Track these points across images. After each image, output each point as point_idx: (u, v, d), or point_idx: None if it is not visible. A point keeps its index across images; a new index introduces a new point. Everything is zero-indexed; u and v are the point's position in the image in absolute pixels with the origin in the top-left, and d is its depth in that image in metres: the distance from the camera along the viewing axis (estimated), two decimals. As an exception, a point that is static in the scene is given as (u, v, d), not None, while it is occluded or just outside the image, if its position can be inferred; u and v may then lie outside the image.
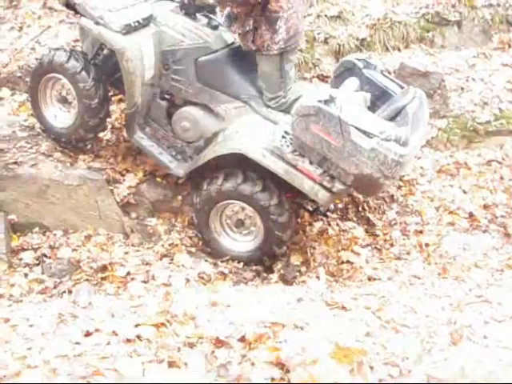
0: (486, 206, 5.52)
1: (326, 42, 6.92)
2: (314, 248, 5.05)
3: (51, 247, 4.74)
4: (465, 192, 5.78)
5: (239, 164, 4.68)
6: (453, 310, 3.17)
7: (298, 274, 4.81)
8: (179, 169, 5.04)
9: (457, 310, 3.16)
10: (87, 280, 4.49)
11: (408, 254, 4.97)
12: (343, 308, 3.23)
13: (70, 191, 4.93)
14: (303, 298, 3.40)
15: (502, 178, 5.95)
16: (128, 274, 4.55)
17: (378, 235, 5.29)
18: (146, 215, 5.19)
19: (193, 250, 4.95)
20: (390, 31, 7.10)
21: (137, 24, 4.83)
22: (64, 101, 5.24)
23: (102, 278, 4.53)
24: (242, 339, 2.76)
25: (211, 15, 4.95)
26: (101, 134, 5.48)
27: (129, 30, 4.80)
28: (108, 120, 5.42)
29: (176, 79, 4.95)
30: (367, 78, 4.71)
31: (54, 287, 4.40)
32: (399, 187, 5.76)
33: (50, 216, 4.89)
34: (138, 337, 2.79)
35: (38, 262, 4.63)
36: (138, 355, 2.64)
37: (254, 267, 4.87)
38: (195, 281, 4.53)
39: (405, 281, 3.96)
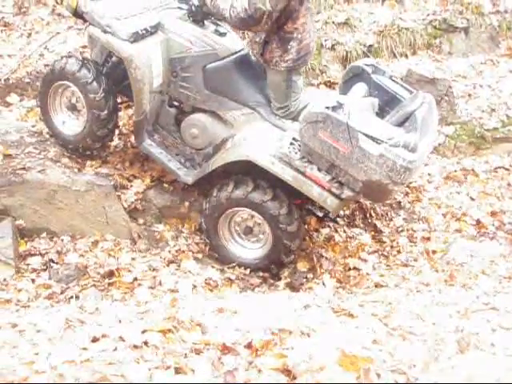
0: (493, 213, 5.52)
1: (333, 48, 6.94)
2: (321, 255, 5.05)
3: (58, 252, 4.74)
4: (472, 199, 5.77)
5: (248, 171, 4.69)
6: (460, 318, 3.16)
7: (304, 280, 4.82)
8: (188, 176, 5.04)
9: (464, 318, 3.15)
10: (94, 285, 4.48)
11: (415, 260, 4.96)
12: (350, 315, 3.23)
13: (77, 197, 4.93)
14: (310, 305, 3.40)
15: (509, 184, 5.95)
16: (135, 279, 4.55)
17: (385, 242, 5.29)
18: (153, 221, 5.20)
19: (200, 256, 4.95)
20: (398, 38, 7.12)
21: (144, 32, 4.84)
22: (73, 108, 5.26)
23: (109, 284, 4.52)
24: (249, 346, 2.76)
25: (219, 22, 4.96)
26: (108, 140, 5.48)
27: (136, 37, 4.81)
28: (115, 126, 5.42)
29: (184, 86, 4.96)
30: (376, 84, 4.71)
31: (61, 292, 4.40)
32: (406, 194, 5.76)
33: (57, 221, 4.90)
34: (145, 343, 2.79)
35: (45, 267, 4.63)
36: (145, 361, 2.64)
37: (261, 274, 4.87)
38: (202, 287, 4.53)
39: (412, 288, 3.95)
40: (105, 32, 4.84)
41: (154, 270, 4.68)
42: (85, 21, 5.14)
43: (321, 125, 4.13)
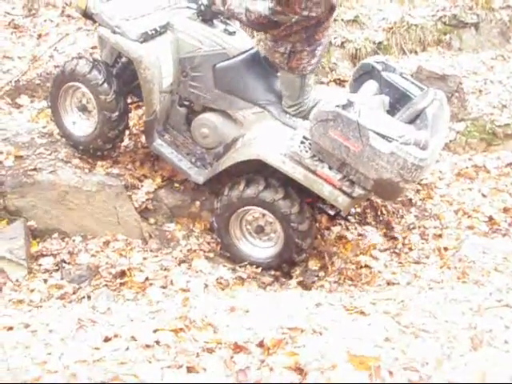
0: (505, 210, 5.48)
1: (342, 46, 6.94)
2: (333, 253, 5.04)
3: (70, 253, 4.75)
4: (484, 195, 5.74)
5: (259, 170, 4.69)
6: (473, 315, 3.14)
7: (316, 278, 4.81)
8: (198, 175, 5.05)
9: (477, 315, 3.13)
10: (106, 285, 4.49)
11: (427, 258, 4.94)
12: (362, 313, 3.22)
13: (88, 197, 4.95)
14: (322, 303, 3.40)
15: (521, 180, 5.92)
16: (146, 279, 4.55)
17: (396, 239, 5.27)
18: (164, 221, 5.21)
19: (211, 255, 4.96)
20: (407, 34, 7.10)
21: (154, 32, 4.85)
22: (84, 109, 5.28)
23: (121, 284, 4.53)
24: (261, 344, 2.76)
25: (228, 21, 4.96)
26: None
27: (146, 38, 4.82)
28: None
29: (194, 86, 4.97)
30: (386, 81, 4.69)
31: (74, 293, 4.41)
32: (417, 191, 5.74)
33: (68, 222, 4.91)
34: (157, 342, 2.80)
35: (57, 267, 4.64)
36: (157, 360, 2.64)
37: (273, 272, 4.86)
38: (213, 286, 4.53)
39: (424, 285, 3.94)
40: (114, 33, 4.85)
41: (165, 269, 4.68)
42: (94, 22, 5.16)
43: (331, 123, 4.12)
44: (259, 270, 4.84)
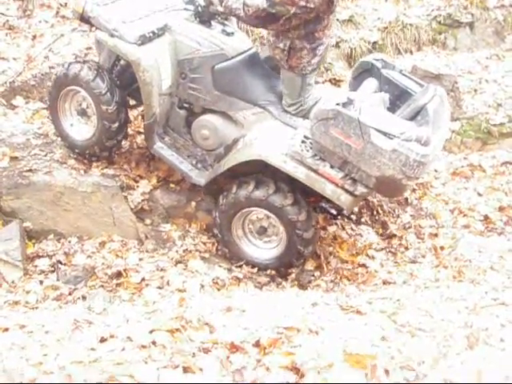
0: (501, 208, 5.49)
1: (337, 45, 6.95)
2: (329, 252, 5.04)
3: (66, 254, 4.74)
4: (480, 194, 5.75)
5: (259, 171, 4.68)
6: (469, 314, 3.15)
7: (312, 278, 4.81)
8: (200, 177, 5.02)
9: (473, 314, 3.14)
10: (102, 286, 4.49)
11: (423, 257, 4.95)
12: (358, 312, 3.22)
13: (84, 198, 4.94)
14: (318, 303, 3.39)
15: (517, 179, 5.93)
16: (143, 280, 4.55)
17: (392, 239, 5.27)
18: (160, 221, 5.19)
19: (207, 255, 4.94)
20: (402, 34, 7.11)
21: (151, 34, 4.84)
22: (83, 113, 5.25)
23: (117, 285, 4.53)
24: (257, 344, 2.76)
25: (226, 22, 4.95)
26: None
27: (144, 40, 4.80)
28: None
29: (193, 88, 4.94)
30: (386, 78, 4.66)
31: (69, 294, 4.40)
32: (413, 190, 5.74)
33: (64, 223, 4.91)
34: (153, 342, 2.80)
35: (53, 268, 4.63)
36: (153, 361, 2.64)
37: (269, 272, 4.86)
38: (210, 286, 4.52)
39: (420, 284, 3.94)
40: (112, 36, 4.84)
41: (161, 270, 4.68)
42: (91, 25, 5.14)
43: (332, 121, 4.10)
44: (255, 270, 4.84)
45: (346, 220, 5.38)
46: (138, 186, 5.24)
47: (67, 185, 4.95)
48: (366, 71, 4.78)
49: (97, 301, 4.13)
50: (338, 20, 6.99)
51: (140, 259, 4.76)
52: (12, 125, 5.51)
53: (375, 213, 5.50)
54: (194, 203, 5.27)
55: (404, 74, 4.77)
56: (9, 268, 4.49)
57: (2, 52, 6.33)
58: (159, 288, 4.48)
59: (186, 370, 2.57)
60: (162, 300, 3.91)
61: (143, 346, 2.77)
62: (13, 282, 4.42)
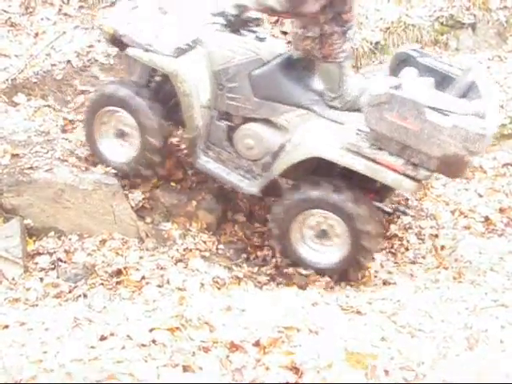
0: (501, 210, 5.48)
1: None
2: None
3: (66, 252, 4.72)
4: (480, 195, 5.74)
5: (310, 172, 4.66)
6: (469, 315, 3.15)
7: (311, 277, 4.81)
8: (251, 187, 4.92)
9: (473, 315, 3.15)
10: (102, 284, 4.47)
11: (423, 258, 4.94)
12: (358, 312, 3.23)
13: (85, 196, 4.91)
14: (318, 302, 3.40)
15: (518, 181, 5.92)
16: (143, 278, 4.53)
17: (392, 239, 5.27)
18: (161, 220, 5.18)
19: (207, 254, 4.93)
20: (404, 34, 7.09)
21: (187, 46, 4.82)
22: (122, 134, 5.21)
23: (117, 283, 4.51)
24: (257, 343, 2.77)
25: (255, 29, 4.89)
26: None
27: (179, 52, 4.78)
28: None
29: (232, 97, 4.86)
30: (425, 66, 4.55)
31: (69, 291, 4.39)
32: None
33: (65, 220, 4.89)
34: (153, 341, 2.81)
35: (53, 266, 4.62)
36: (153, 359, 2.65)
37: (269, 272, 4.86)
38: (210, 285, 4.52)
39: (420, 285, 3.94)
40: (146, 51, 4.82)
41: (161, 268, 4.66)
42: (121, 48, 5.09)
43: (386, 106, 4.03)
44: (255, 269, 4.84)
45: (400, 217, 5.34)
46: (139, 185, 5.23)
47: (68, 182, 4.93)
48: (402, 62, 4.65)
49: (97, 299, 4.16)
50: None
51: (140, 257, 4.74)
52: (13, 122, 5.49)
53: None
54: (194, 202, 5.26)
55: (441, 61, 4.69)
56: (9, 265, 4.48)
57: (4, 49, 6.33)
58: (159, 286, 4.45)
59: (185, 368, 2.58)
60: (162, 298, 3.91)
61: (143, 345, 2.77)
62: (13, 279, 4.42)
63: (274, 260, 5.03)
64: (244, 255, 5.13)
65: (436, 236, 5.24)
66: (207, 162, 5.06)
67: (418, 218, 5.48)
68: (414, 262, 4.90)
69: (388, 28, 7.06)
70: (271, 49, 4.83)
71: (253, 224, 5.40)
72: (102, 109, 5.13)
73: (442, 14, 7.24)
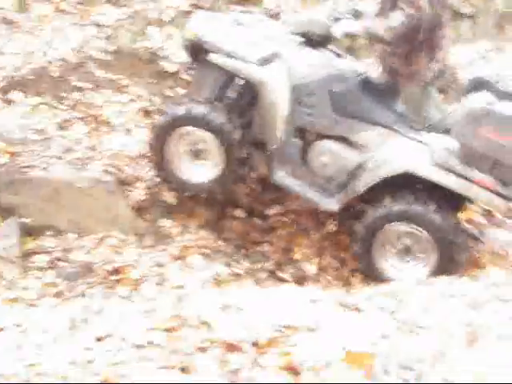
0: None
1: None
2: (327, 249, 5.01)
3: (64, 250, 4.71)
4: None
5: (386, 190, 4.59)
6: (469, 310, 3.12)
7: (310, 274, 4.79)
8: (330, 204, 4.83)
9: (472, 310, 3.11)
10: (100, 283, 4.47)
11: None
12: (357, 309, 3.19)
13: (82, 194, 4.90)
14: (316, 300, 3.36)
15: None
16: (141, 276, 4.52)
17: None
18: (160, 217, 5.16)
19: (206, 251, 4.91)
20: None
21: (271, 56, 4.79)
22: (196, 154, 5.10)
23: (116, 281, 4.50)
24: (255, 343, 2.73)
25: (333, 48, 4.94)
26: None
27: (264, 61, 4.75)
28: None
29: (310, 113, 4.81)
30: (502, 92, 4.38)
31: (68, 290, 4.38)
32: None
33: (62, 219, 4.87)
34: (150, 342, 2.77)
35: (51, 265, 4.61)
36: (150, 361, 2.62)
37: (268, 268, 4.84)
38: (209, 282, 4.50)
39: (420, 280, 3.90)
40: (230, 57, 4.79)
41: (160, 266, 4.65)
42: (195, 58, 5.12)
43: (483, 121, 4.03)
44: (255, 266, 4.81)
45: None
46: (136, 182, 5.20)
47: (65, 180, 4.92)
48: (478, 86, 4.51)
49: (95, 298, 4.14)
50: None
51: (138, 255, 4.73)
52: (10, 120, 5.47)
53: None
54: (193, 198, 5.23)
55: None
56: (6, 265, 4.47)
57: (0, 47, 6.29)
58: (158, 284, 4.45)
59: (183, 370, 2.54)
60: (160, 297, 3.89)
61: (140, 346, 2.74)
62: (10, 278, 4.40)
63: (274, 256, 5.01)
64: (243, 251, 5.11)
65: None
66: (284, 178, 4.97)
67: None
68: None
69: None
70: (352, 66, 4.84)
71: (253, 220, 5.36)
72: (174, 131, 5.00)
73: (440, 5, 7.18)
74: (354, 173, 4.69)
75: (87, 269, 4.57)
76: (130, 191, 5.14)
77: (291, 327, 2.88)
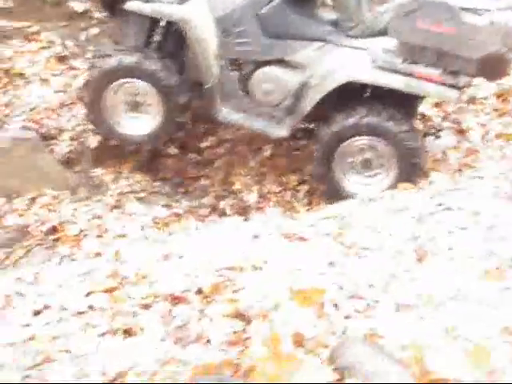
0: (437, 104, 5.33)
1: None
2: (265, 175, 4.91)
3: (-5, 216, 4.52)
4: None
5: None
6: (415, 223, 3.05)
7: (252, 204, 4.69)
8: (280, 131, 4.66)
9: (419, 223, 3.04)
10: (39, 245, 4.29)
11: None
12: (302, 238, 3.09)
13: (4, 155, 4.66)
14: (259, 234, 3.26)
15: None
16: (80, 231, 4.36)
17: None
18: (90, 167, 4.96)
19: (143, 195, 4.76)
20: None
21: None
22: (135, 106, 4.87)
23: (55, 240, 4.34)
24: (199, 292, 2.62)
25: None
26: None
27: (182, 0, 4.57)
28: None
29: (240, 43, 4.62)
30: None
31: (7, 258, 4.20)
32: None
33: (-13, 184, 4.66)
34: (91, 307, 2.65)
35: (-17, 233, 4.42)
36: (93, 327, 2.49)
37: (209, 203, 4.72)
38: (150, 227, 4.37)
39: (364, 198, 3.81)
40: (147, 1, 4.57)
41: (98, 217, 4.49)
42: (112, 11, 4.93)
43: (418, 13, 3.88)
44: (195, 203, 4.69)
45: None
46: (60, 134, 4.98)
47: (-16, 142, 4.68)
48: None
49: (35, 263, 3.98)
50: None
51: (74, 210, 4.55)
52: None
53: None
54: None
55: None
56: None
57: None
58: (99, 237, 4.30)
59: (126, 332, 2.42)
60: (103, 249, 3.76)
61: (80, 313, 2.62)
62: None
63: (213, 190, 4.90)
64: (182, 189, 4.98)
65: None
66: (229, 114, 4.79)
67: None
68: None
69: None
70: None
71: (187, 155, 5.20)
72: (108, 86, 4.77)
73: None
74: (299, 94, 4.55)
75: (22, 232, 4.38)
76: (55, 145, 4.93)
77: (235, 268, 2.78)
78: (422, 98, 4.53)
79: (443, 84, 4.05)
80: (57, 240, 4.33)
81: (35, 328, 2.53)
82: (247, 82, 4.72)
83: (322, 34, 4.48)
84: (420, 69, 4.07)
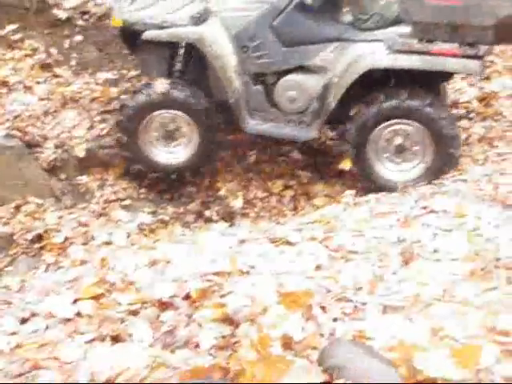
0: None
1: None
2: (250, 180, 4.93)
3: (-21, 224, 4.49)
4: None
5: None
6: (401, 227, 3.08)
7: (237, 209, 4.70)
8: (308, 132, 4.74)
9: (404, 226, 3.07)
10: (24, 253, 4.29)
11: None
12: (288, 243, 3.10)
13: (-12, 163, 4.66)
14: (246, 239, 3.27)
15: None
16: (66, 239, 4.35)
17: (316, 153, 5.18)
18: (75, 174, 4.96)
19: (128, 202, 4.77)
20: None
21: (202, 14, 4.69)
22: (169, 137, 4.95)
23: (40, 248, 4.33)
24: (187, 297, 2.62)
25: None
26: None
27: (196, 21, 4.65)
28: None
29: (259, 56, 4.70)
30: None
31: (-8, 266, 4.19)
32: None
33: (-28, 192, 4.64)
34: (78, 314, 2.63)
35: (-31, 242, 4.39)
36: (80, 334, 2.48)
37: (195, 209, 4.73)
38: (136, 234, 4.37)
39: (349, 201, 3.84)
40: (163, 28, 4.65)
41: (84, 225, 4.50)
42: (132, 44, 5.00)
43: None
44: (180, 209, 4.70)
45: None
46: (44, 141, 4.96)
47: (-31, 152, 4.65)
48: None
49: (20, 271, 3.97)
50: None
51: (59, 217, 4.55)
52: None
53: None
54: (106, 150, 5.03)
55: None
56: None
57: None
58: (84, 244, 4.29)
59: (115, 339, 2.42)
60: (89, 257, 3.75)
61: (68, 320, 2.60)
62: None
63: (199, 196, 4.90)
64: (168, 196, 4.98)
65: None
66: (257, 125, 4.85)
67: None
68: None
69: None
70: None
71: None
72: (141, 122, 4.85)
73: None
74: (323, 96, 4.62)
75: (7, 241, 4.38)
76: (40, 152, 4.90)
77: (223, 273, 2.78)
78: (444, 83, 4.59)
79: (464, 56, 4.08)
80: (42, 248, 4.34)
81: (22, 336, 2.51)
82: (272, 93, 4.79)
83: (338, 34, 4.56)
84: (437, 46, 4.12)
